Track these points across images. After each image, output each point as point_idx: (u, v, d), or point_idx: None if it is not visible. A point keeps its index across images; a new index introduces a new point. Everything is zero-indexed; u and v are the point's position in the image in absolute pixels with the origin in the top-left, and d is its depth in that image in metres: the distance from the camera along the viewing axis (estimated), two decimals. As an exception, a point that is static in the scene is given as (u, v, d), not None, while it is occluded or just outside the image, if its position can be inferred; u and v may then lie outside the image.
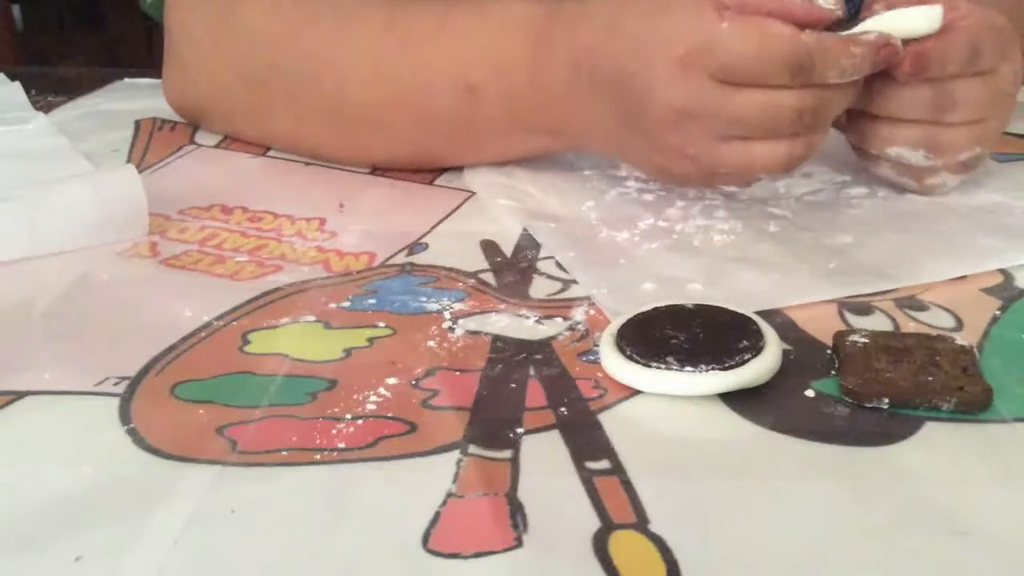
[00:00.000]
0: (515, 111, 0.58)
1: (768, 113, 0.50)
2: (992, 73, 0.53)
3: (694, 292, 0.48)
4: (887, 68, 0.51)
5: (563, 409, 0.39)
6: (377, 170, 0.65)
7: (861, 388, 0.39)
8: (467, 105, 0.59)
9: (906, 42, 0.51)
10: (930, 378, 0.40)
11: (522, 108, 0.58)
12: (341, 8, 0.62)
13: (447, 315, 0.46)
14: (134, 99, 0.81)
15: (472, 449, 0.37)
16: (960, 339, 0.43)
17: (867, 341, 0.42)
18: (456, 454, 0.36)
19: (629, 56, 0.52)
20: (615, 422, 0.38)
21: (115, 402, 0.40)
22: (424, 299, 0.48)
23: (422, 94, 0.60)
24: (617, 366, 0.41)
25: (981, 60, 0.52)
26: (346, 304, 0.47)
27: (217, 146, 0.70)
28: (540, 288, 0.49)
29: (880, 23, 0.51)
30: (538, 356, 0.43)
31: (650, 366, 0.40)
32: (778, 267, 0.50)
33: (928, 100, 0.53)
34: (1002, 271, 0.50)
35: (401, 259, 0.53)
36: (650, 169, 0.57)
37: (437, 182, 0.63)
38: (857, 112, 0.55)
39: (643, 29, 0.51)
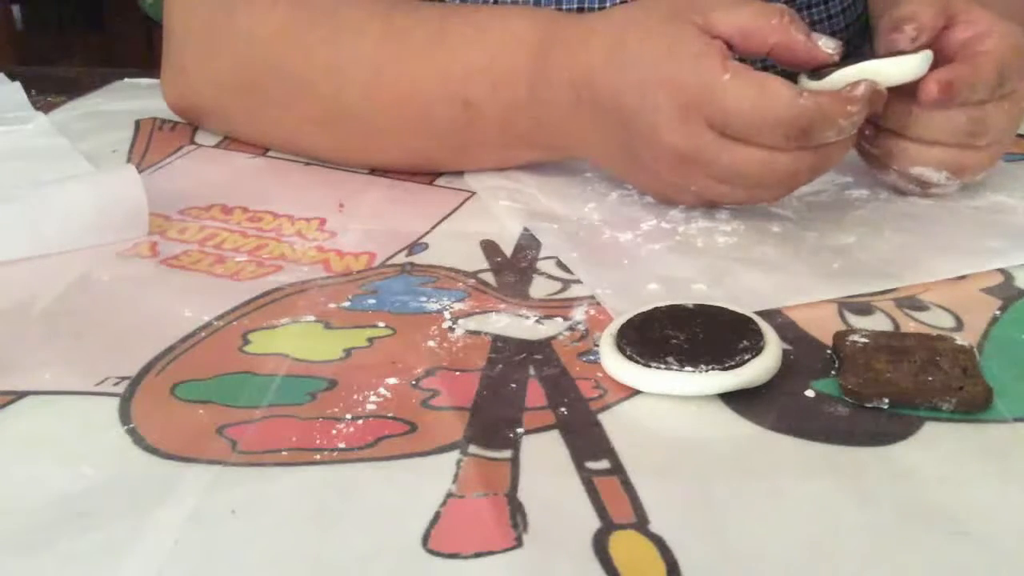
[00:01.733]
0: (513, 126, 0.58)
1: (765, 171, 0.50)
2: (1014, 94, 0.54)
3: (698, 292, 0.48)
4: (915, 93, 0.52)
5: (563, 409, 0.39)
6: (377, 170, 0.65)
7: (861, 388, 0.39)
8: (464, 118, 0.58)
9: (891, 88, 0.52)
10: (930, 378, 0.40)
11: (521, 123, 0.58)
12: (338, 15, 0.62)
13: (447, 315, 0.46)
14: (134, 99, 0.81)
15: (472, 449, 0.37)
16: (960, 339, 0.43)
17: (867, 341, 0.42)
18: (456, 454, 0.36)
19: (631, 92, 0.51)
20: (615, 422, 0.38)
21: (115, 402, 0.40)
22: (424, 299, 0.48)
23: (419, 105, 0.59)
24: (617, 366, 0.41)
25: (1008, 83, 0.53)
26: (346, 304, 0.47)
27: (217, 146, 0.70)
28: (540, 288, 0.49)
29: (865, 70, 0.51)
30: (538, 356, 0.43)
31: (650, 366, 0.40)
32: (782, 267, 0.50)
33: (962, 125, 0.53)
34: (1002, 271, 0.50)
35: (401, 259, 0.53)
36: (650, 193, 0.58)
37: (437, 182, 0.63)
38: (885, 130, 0.55)
39: (646, 66, 0.51)
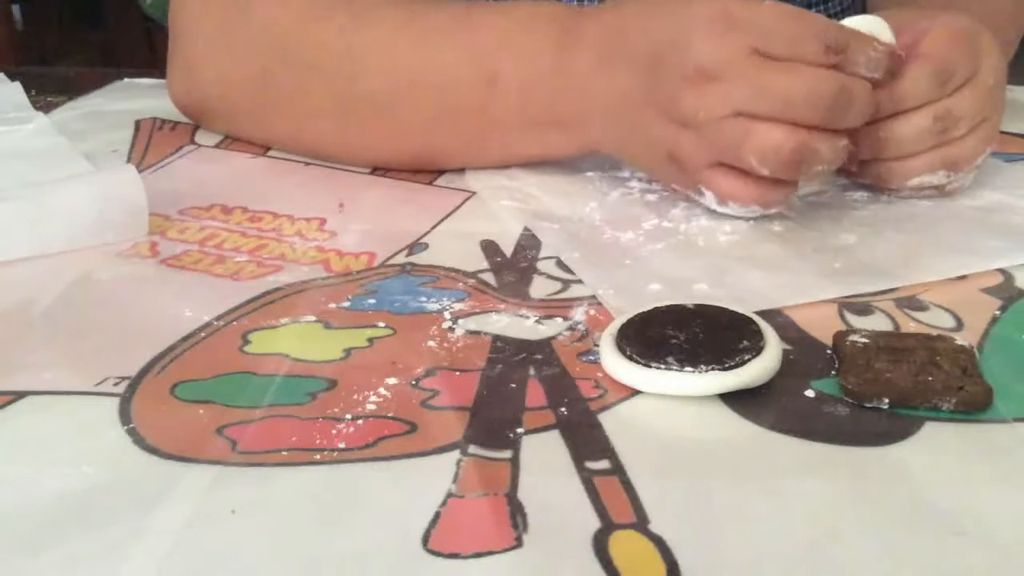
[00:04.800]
0: (532, 103, 0.58)
1: (788, 84, 0.50)
2: (975, 77, 0.54)
3: (700, 292, 0.48)
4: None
5: (563, 409, 0.39)
6: (377, 170, 0.65)
7: (861, 388, 0.39)
8: (482, 96, 0.59)
9: None
10: (930, 378, 0.39)
11: (540, 99, 0.58)
12: (357, 5, 0.62)
13: (447, 315, 0.46)
14: (134, 99, 0.81)
15: (472, 449, 0.37)
16: (960, 339, 0.43)
17: (867, 341, 0.42)
18: (456, 454, 0.36)
19: (667, 24, 0.53)
20: (615, 422, 0.38)
21: (115, 402, 0.40)
22: (424, 299, 0.48)
23: (437, 86, 0.60)
24: (617, 366, 0.41)
25: (960, 73, 0.54)
26: (346, 304, 0.47)
27: (217, 146, 0.70)
28: (540, 288, 0.49)
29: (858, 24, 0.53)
30: (538, 356, 0.43)
31: (650, 366, 0.40)
32: (784, 267, 0.50)
33: (930, 127, 0.54)
34: (1002, 271, 0.50)
35: (401, 259, 0.53)
36: (650, 149, 0.56)
37: (437, 182, 0.63)
38: (866, 161, 0.56)
39: (683, 4, 0.53)
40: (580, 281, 0.50)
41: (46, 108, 0.79)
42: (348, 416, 0.39)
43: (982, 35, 0.55)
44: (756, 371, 0.40)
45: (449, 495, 0.34)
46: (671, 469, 0.36)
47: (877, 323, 0.45)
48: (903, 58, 0.53)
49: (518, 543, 0.32)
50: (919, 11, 0.56)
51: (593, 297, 0.48)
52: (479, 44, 0.59)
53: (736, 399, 0.39)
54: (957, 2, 0.61)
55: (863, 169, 0.57)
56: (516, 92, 0.58)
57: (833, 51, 0.50)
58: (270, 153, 0.68)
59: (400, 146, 0.63)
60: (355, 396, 0.40)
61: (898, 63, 0.53)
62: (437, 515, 0.33)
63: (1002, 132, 0.59)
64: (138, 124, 0.75)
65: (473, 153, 0.63)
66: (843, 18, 0.53)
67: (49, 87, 0.84)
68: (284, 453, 0.37)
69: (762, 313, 0.44)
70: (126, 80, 0.88)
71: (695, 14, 0.52)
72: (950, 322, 0.45)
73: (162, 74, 0.73)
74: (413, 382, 0.41)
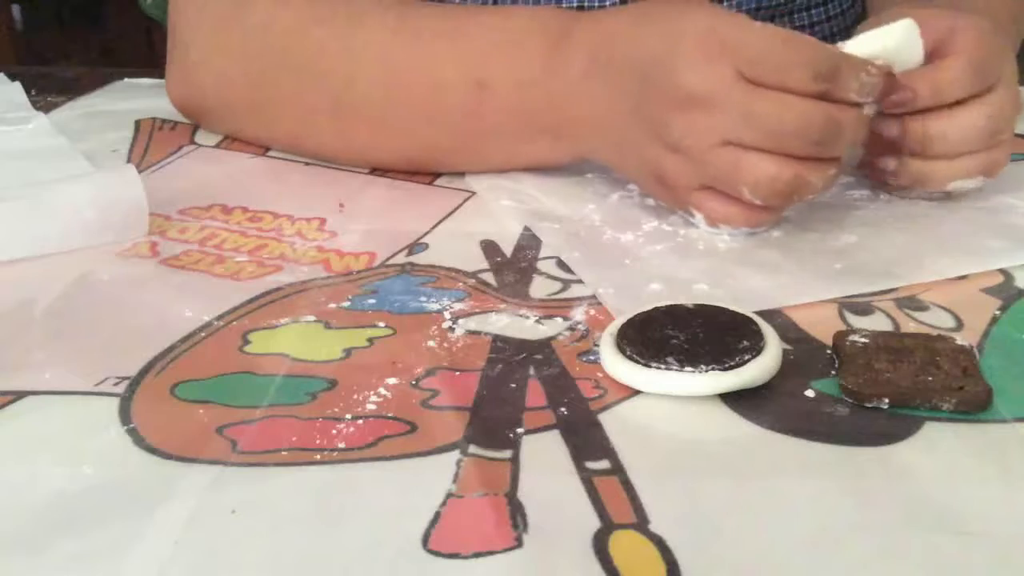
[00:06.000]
0: (524, 107, 0.58)
1: (777, 116, 0.49)
2: (1004, 79, 0.54)
3: (700, 293, 0.48)
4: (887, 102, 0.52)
5: (563, 409, 0.39)
6: (377, 170, 0.65)
7: (861, 388, 0.39)
8: (475, 102, 0.59)
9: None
10: (930, 378, 0.40)
11: (532, 103, 0.58)
12: (353, 7, 0.62)
13: (447, 315, 0.46)
14: (134, 99, 0.81)
15: (472, 449, 0.37)
16: (960, 339, 0.43)
17: (867, 341, 0.42)
18: (456, 454, 0.36)
19: (657, 40, 0.52)
20: (615, 422, 0.38)
21: (115, 402, 0.40)
22: (424, 299, 0.48)
23: (431, 90, 0.60)
24: (617, 366, 0.41)
25: (994, 72, 0.53)
26: (346, 304, 0.47)
27: (217, 146, 0.70)
28: (540, 288, 0.49)
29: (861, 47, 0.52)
30: (538, 356, 0.43)
31: (650, 366, 0.40)
32: (784, 268, 0.50)
33: (985, 127, 0.53)
34: (1002, 271, 0.50)
35: (401, 259, 0.53)
36: (640, 167, 0.56)
37: (437, 182, 0.63)
38: (907, 158, 0.55)
39: (674, 19, 0.52)
40: (580, 281, 0.50)
41: (46, 108, 0.79)
42: (348, 416, 0.39)
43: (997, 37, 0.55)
44: (756, 371, 0.40)
45: (449, 495, 0.34)
46: (671, 469, 0.36)
47: (877, 323, 0.45)
48: (897, 78, 0.52)
49: (518, 543, 0.32)
50: (928, 10, 0.55)
51: (593, 297, 0.48)
52: (471, 52, 0.59)
53: (736, 399, 0.39)
54: (960, 2, 0.61)
55: (901, 170, 0.55)
56: (507, 98, 0.58)
57: (823, 78, 0.49)
58: (270, 153, 0.68)
59: (395, 149, 0.63)
60: (355, 396, 0.40)
61: (892, 85, 0.51)
62: (437, 515, 0.33)
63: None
64: (138, 124, 0.75)
65: (466, 158, 0.63)
66: (844, 17, 0.53)
67: (49, 87, 0.84)
68: (284, 453, 0.37)
69: (762, 313, 0.44)
70: (126, 80, 0.88)
71: (684, 33, 0.51)
72: (950, 322, 0.46)
73: (162, 74, 0.73)
74: (413, 382, 0.41)
